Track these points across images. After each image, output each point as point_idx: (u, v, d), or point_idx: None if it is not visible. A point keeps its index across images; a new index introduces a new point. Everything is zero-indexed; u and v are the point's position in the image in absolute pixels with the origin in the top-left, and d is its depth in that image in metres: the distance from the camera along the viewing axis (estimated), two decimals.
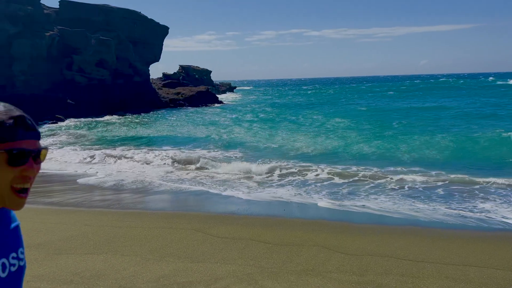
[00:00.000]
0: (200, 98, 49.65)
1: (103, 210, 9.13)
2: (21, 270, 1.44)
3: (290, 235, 7.19)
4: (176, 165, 14.70)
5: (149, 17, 49.86)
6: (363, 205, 9.31)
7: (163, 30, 51.18)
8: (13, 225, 1.47)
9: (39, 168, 1.36)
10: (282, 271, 5.49)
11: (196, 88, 52.36)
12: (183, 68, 66.01)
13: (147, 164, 15.25)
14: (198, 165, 14.39)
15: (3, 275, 1.36)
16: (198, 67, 70.31)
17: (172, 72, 63.96)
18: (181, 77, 62.38)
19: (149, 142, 21.99)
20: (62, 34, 39.90)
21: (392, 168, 13.15)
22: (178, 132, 26.13)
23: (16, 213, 1.52)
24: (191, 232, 7.41)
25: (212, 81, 73.89)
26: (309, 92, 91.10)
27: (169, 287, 4.85)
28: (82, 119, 35.47)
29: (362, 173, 12.35)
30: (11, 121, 1.26)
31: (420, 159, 14.78)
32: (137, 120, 34.89)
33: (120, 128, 29.74)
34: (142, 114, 39.38)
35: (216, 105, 50.78)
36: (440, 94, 58.98)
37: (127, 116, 37.98)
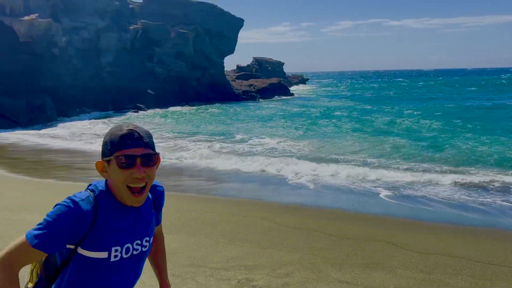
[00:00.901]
0: (272, 90, 50.13)
1: (180, 194, 9.76)
2: (142, 254, 1.78)
3: (355, 229, 7.23)
4: (253, 157, 15.15)
5: (225, 10, 51.13)
6: (430, 202, 9.03)
7: (238, 23, 52.19)
8: (147, 216, 1.79)
9: (151, 170, 1.66)
10: (346, 263, 5.60)
11: (268, 80, 52.90)
12: (257, 60, 66.88)
13: (219, 153, 15.88)
14: (269, 158, 14.73)
15: (126, 256, 1.71)
16: (271, 59, 70.80)
17: (245, 64, 65.11)
18: (254, 69, 63.28)
19: (225, 132, 22.74)
20: (145, 28, 42.25)
21: (466, 168, 12.56)
22: (252, 123, 26.71)
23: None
24: (260, 220, 7.72)
25: (284, 73, 74.07)
26: (384, 85, 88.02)
27: (237, 269, 5.18)
28: (160, 109, 37.50)
29: (434, 176, 11.94)
30: (120, 135, 1.62)
31: (500, 161, 13.89)
32: (212, 111, 36.15)
33: (196, 118, 31.04)
34: (217, 105, 40.71)
35: (288, 97, 50.97)
36: None
37: (202, 107, 39.48)
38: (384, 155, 14.94)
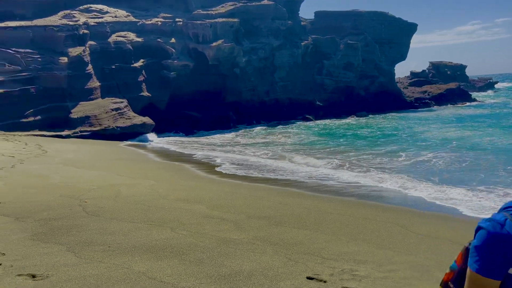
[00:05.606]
0: (449, 96, 46.55)
1: (318, 195, 10.67)
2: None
3: None
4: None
5: (398, 15, 50.03)
6: None
7: (411, 28, 50.14)
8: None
9: None
10: None
11: (445, 86, 49.26)
12: (433, 65, 62.74)
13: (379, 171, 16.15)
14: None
15: None
16: (451, 62, 65.45)
17: (421, 70, 61.80)
18: (430, 75, 59.60)
19: (388, 145, 22.58)
20: (315, 42, 44.38)
21: None
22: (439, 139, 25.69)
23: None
24: (391, 225, 8.06)
25: (467, 77, 67.46)
26: None
27: (346, 261, 5.82)
28: (328, 120, 38.83)
29: None
30: None
31: None
32: (379, 121, 35.78)
33: (363, 129, 31.26)
34: (384, 115, 40.02)
35: (469, 103, 46.52)
36: None
37: (368, 117, 39.34)
38: None
